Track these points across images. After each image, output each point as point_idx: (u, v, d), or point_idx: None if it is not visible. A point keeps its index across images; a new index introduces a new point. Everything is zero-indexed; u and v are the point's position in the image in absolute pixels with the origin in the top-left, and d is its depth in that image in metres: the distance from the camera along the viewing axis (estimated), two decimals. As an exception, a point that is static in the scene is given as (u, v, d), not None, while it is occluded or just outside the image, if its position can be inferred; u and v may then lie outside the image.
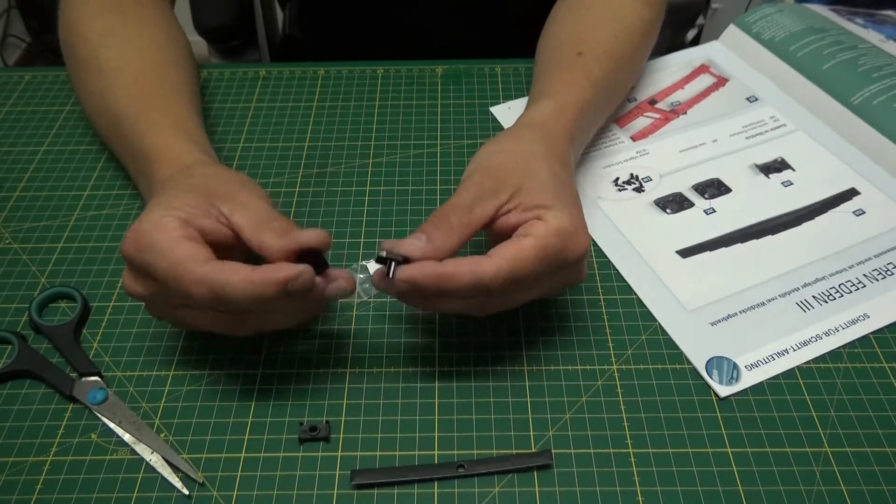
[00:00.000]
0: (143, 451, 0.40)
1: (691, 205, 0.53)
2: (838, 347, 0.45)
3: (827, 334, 0.45)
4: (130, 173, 0.51)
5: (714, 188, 0.54)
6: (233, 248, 0.40)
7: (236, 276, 0.36)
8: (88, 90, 0.52)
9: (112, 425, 0.41)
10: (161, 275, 0.37)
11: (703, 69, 0.65)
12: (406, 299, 0.41)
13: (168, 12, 0.58)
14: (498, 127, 0.60)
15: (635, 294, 0.48)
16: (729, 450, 0.40)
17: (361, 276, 0.49)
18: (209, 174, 0.43)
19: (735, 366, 0.44)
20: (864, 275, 0.48)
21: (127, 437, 0.41)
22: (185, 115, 0.49)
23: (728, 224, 0.52)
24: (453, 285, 0.37)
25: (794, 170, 0.55)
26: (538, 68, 0.55)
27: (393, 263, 0.38)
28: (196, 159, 0.45)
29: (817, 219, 0.52)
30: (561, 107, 0.48)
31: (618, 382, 0.43)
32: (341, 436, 0.41)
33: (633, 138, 0.59)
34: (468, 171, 0.43)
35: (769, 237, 0.51)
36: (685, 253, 0.50)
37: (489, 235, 0.42)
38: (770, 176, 0.55)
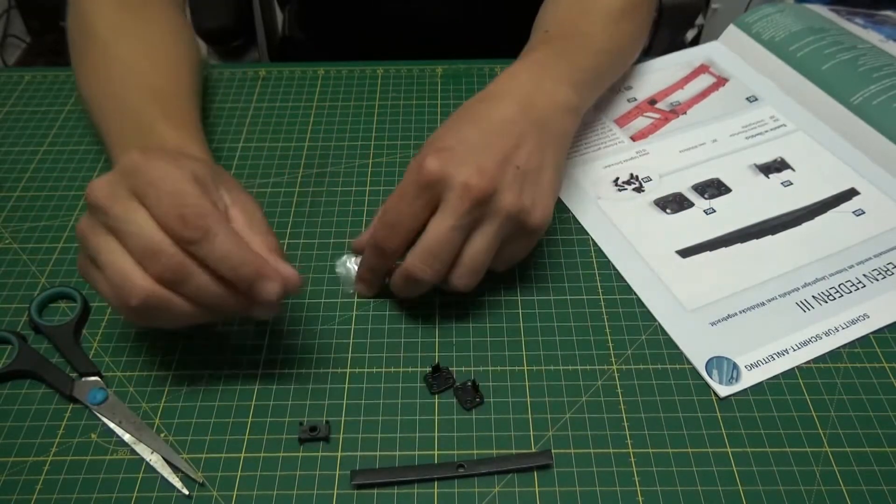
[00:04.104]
0: (143, 451, 0.40)
1: (691, 205, 0.53)
2: (838, 347, 0.45)
3: (827, 334, 0.45)
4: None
5: (714, 188, 0.54)
6: None
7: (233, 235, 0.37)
8: (97, 78, 0.52)
9: (112, 425, 0.41)
10: (165, 199, 0.36)
11: (703, 69, 0.65)
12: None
13: (177, 13, 0.59)
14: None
15: (635, 294, 0.48)
16: (729, 450, 0.40)
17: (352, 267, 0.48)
18: (211, 164, 0.43)
19: (735, 366, 0.44)
20: (864, 275, 0.48)
21: (127, 437, 0.41)
22: (190, 116, 0.50)
23: (728, 224, 0.52)
24: None
25: (794, 170, 0.55)
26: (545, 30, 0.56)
27: None
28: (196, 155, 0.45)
29: (817, 219, 0.52)
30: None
31: (618, 382, 0.43)
32: (341, 436, 0.41)
33: (633, 138, 0.59)
34: None
35: (769, 237, 0.51)
36: (685, 253, 0.50)
37: None
38: (770, 176, 0.55)
